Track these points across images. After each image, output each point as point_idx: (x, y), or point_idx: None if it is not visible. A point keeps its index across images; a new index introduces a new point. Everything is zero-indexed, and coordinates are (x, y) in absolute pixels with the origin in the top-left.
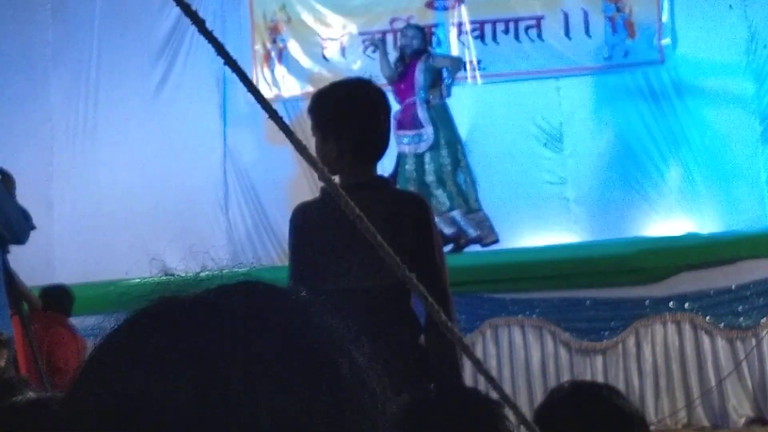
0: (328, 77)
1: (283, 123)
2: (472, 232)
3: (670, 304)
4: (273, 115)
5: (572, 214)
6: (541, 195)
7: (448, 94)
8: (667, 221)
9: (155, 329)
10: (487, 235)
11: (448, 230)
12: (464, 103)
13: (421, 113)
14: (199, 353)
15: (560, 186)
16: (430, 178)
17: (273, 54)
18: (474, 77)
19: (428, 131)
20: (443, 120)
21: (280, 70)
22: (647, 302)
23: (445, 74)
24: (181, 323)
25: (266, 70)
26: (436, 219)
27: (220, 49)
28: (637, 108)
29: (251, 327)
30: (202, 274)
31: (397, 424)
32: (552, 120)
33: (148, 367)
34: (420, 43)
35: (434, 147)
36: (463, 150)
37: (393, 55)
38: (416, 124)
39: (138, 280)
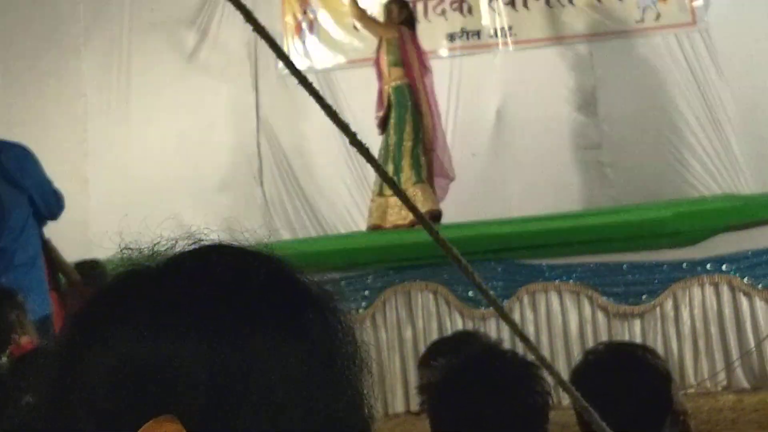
0: (359, 47)
1: (313, 89)
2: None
3: (708, 266)
4: (303, 81)
5: (607, 179)
6: (576, 160)
7: None
8: (703, 183)
9: (148, 297)
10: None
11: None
12: (496, 70)
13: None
14: (190, 320)
15: (595, 151)
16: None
17: (304, 25)
18: (506, 44)
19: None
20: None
21: (311, 41)
22: (684, 265)
23: None
24: (165, 290)
25: (297, 42)
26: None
27: (249, 17)
28: (669, 71)
29: (236, 297)
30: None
31: (444, 382)
32: (585, 85)
33: (148, 335)
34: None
35: None
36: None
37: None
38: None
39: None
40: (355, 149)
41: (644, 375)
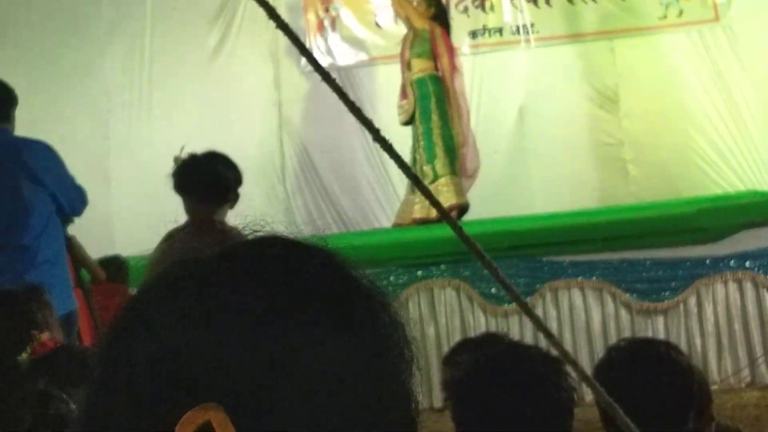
0: (381, 45)
1: (336, 85)
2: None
3: (731, 262)
4: (326, 77)
5: (629, 176)
6: (598, 157)
7: None
8: (726, 179)
9: (199, 285)
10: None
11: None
12: (518, 67)
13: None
14: (239, 308)
15: (617, 147)
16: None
17: (326, 23)
18: (528, 41)
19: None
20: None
21: (333, 38)
22: (708, 261)
23: None
24: (216, 278)
25: (320, 39)
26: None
27: (272, 14)
28: (692, 67)
29: (288, 288)
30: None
31: (468, 379)
32: (607, 81)
33: (195, 322)
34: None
35: None
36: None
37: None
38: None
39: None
40: (377, 145)
41: (668, 371)
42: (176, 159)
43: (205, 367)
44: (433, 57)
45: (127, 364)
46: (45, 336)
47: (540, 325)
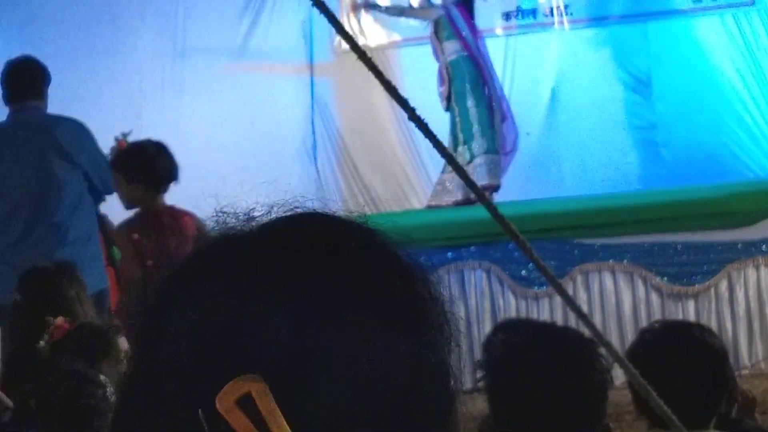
0: (414, 25)
1: (373, 64)
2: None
3: (763, 247)
4: (362, 56)
5: (661, 159)
6: (630, 140)
7: None
8: (759, 164)
9: (239, 260)
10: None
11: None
12: (551, 50)
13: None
14: (280, 282)
15: (649, 130)
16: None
17: (359, 2)
18: (561, 23)
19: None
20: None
21: (366, 19)
22: (739, 245)
23: None
24: (258, 253)
25: (353, 19)
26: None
27: None
28: (726, 51)
29: (327, 262)
30: (257, 209)
31: (503, 359)
32: (640, 65)
33: (236, 295)
34: None
35: None
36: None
37: None
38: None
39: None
40: (409, 126)
41: (701, 353)
42: (116, 145)
43: (246, 340)
44: (459, 37)
45: (169, 335)
46: (59, 320)
47: (574, 307)
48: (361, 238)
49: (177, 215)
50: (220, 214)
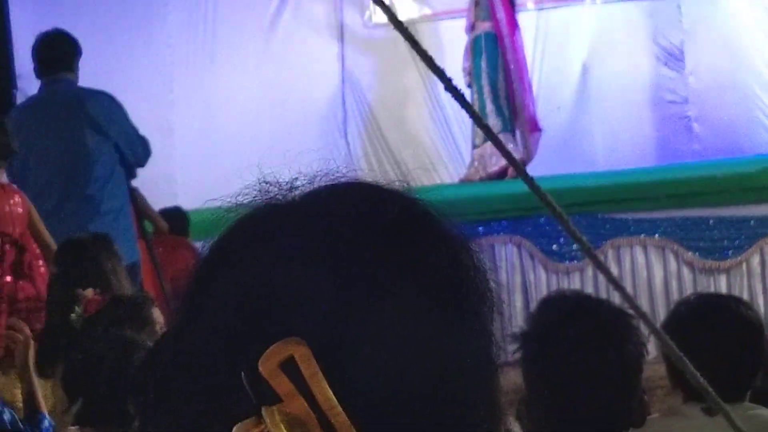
0: None
1: (409, 33)
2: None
3: None
4: (399, 26)
5: (694, 133)
6: (662, 114)
7: None
8: None
9: (283, 227)
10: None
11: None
12: (583, 24)
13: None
14: (324, 250)
15: (682, 105)
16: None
17: None
18: None
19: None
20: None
21: None
22: None
23: None
24: (302, 220)
25: None
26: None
27: None
28: (760, 25)
29: (370, 231)
30: (300, 179)
31: (539, 331)
32: (673, 38)
33: (281, 261)
34: None
35: None
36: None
37: None
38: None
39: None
40: (441, 100)
41: (737, 326)
42: None
43: (290, 305)
44: (492, 17)
45: (214, 299)
46: (89, 292)
47: (611, 278)
48: (403, 206)
49: (8, 191)
50: (263, 184)
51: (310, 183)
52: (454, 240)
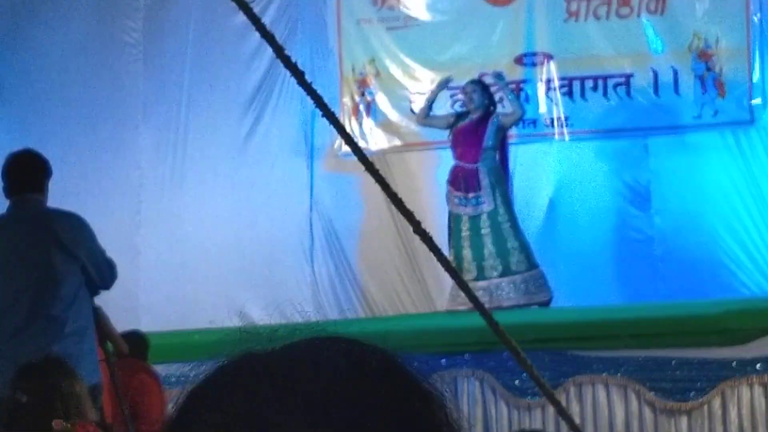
0: (415, 131)
1: (379, 175)
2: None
3: (757, 366)
4: (369, 166)
5: (659, 273)
6: (627, 253)
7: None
8: (755, 282)
9: (250, 384)
10: (539, 292)
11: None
12: (551, 159)
13: (484, 177)
14: (304, 404)
15: (647, 244)
16: (487, 239)
17: (361, 107)
18: (561, 134)
19: (489, 194)
20: (500, 179)
21: (367, 123)
22: (734, 363)
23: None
24: (276, 377)
25: (354, 123)
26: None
27: (317, 99)
28: (726, 168)
29: (350, 384)
30: (280, 330)
31: None
32: (640, 178)
33: (258, 416)
34: (481, 99)
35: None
36: (514, 207)
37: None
38: (476, 187)
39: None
40: (407, 230)
41: None
42: None
43: None
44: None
45: None
46: (57, 423)
47: (567, 418)
48: (381, 362)
49: None
50: (243, 333)
51: (289, 335)
52: (431, 397)
